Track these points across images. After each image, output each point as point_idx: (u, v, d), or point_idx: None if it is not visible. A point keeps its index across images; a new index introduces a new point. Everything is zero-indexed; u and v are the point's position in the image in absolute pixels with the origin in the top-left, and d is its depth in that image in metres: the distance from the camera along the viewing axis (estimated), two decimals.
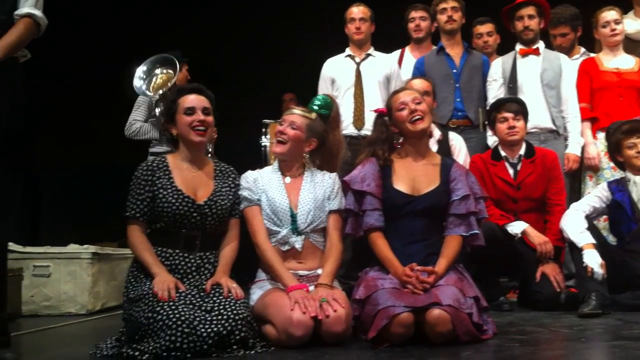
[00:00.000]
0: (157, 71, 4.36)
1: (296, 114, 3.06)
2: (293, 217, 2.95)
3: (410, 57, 4.90)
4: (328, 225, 3.01)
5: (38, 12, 2.75)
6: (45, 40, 2.85)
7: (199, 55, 5.29)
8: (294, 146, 3.03)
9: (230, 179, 3.01)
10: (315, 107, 3.10)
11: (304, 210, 2.97)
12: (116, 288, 4.36)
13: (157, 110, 4.30)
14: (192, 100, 2.92)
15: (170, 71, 4.37)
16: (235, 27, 6.67)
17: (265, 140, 5.21)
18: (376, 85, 4.51)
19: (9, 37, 2.66)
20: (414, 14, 4.87)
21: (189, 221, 2.81)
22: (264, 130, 5.29)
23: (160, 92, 4.25)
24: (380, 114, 3.15)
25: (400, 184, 2.99)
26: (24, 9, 2.72)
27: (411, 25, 4.89)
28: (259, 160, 5.08)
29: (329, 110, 3.12)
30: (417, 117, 3.00)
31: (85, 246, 4.31)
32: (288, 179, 3.05)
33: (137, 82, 4.35)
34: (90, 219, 6.05)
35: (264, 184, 3.01)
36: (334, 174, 3.11)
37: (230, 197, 2.95)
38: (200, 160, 2.97)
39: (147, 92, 4.34)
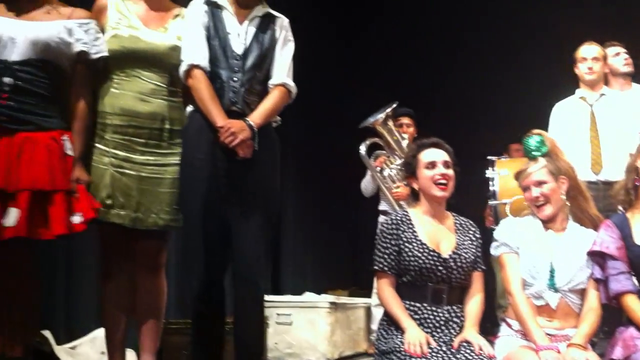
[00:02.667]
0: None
1: (538, 171, 2.95)
2: (552, 272, 2.84)
3: None
4: (588, 286, 2.85)
5: (290, 82, 2.94)
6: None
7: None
8: (554, 199, 2.93)
9: (471, 232, 2.98)
10: (536, 153, 3.00)
11: (564, 268, 2.84)
12: (351, 337, 4.46)
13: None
14: (433, 154, 2.95)
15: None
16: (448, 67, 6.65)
17: (491, 173, 4.92)
18: (612, 125, 4.28)
19: (267, 105, 2.86)
20: None
21: (435, 275, 2.82)
22: (491, 168, 5.05)
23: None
24: None
25: None
26: (279, 78, 2.91)
27: None
28: (480, 196, 4.89)
29: (546, 146, 3.00)
30: None
31: (323, 295, 4.47)
32: (550, 232, 2.94)
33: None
34: (321, 267, 6.29)
35: (523, 232, 2.94)
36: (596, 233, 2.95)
37: (473, 250, 2.92)
38: (441, 213, 2.97)
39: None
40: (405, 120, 4.75)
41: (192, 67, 2.82)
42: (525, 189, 2.96)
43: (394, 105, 4.42)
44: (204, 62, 2.82)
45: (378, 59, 6.80)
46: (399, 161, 4.25)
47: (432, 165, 2.91)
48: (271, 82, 2.92)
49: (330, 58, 6.36)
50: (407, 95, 5.14)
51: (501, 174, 4.27)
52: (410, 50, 6.66)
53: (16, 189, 2.58)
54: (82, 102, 2.83)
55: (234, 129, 2.71)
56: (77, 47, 2.80)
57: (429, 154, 2.94)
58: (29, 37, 2.68)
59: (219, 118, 2.75)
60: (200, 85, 2.80)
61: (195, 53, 2.84)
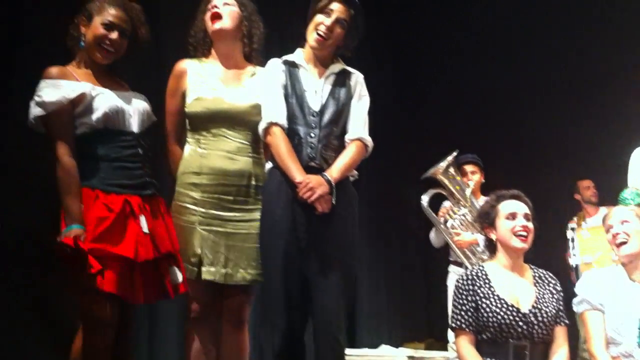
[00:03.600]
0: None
1: (623, 211, 2.93)
2: None
3: None
4: None
5: (367, 136, 2.97)
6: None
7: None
8: (636, 239, 2.88)
9: (551, 285, 2.91)
10: (629, 201, 2.97)
11: None
12: None
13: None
14: (514, 205, 2.93)
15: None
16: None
17: (575, 260, 4.78)
18: None
19: (344, 159, 2.89)
20: None
21: (516, 331, 2.76)
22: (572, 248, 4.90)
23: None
24: None
25: None
26: (356, 133, 2.95)
27: None
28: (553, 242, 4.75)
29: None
30: None
31: (401, 349, 4.43)
32: (636, 284, 2.86)
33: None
34: (396, 318, 6.22)
35: (608, 286, 2.87)
36: None
37: (554, 303, 2.84)
38: (519, 266, 2.92)
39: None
40: (470, 167, 4.72)
41: (271, 124, 2.88)
42: (609, 229, 2.92)
43: (455, 154, 4.41)
44: (282, 119, 2.89)
45: (444, 107, 6.79)
46: (462, 210, 4.22)
47: (512, 216, 2.89)
48: (348, 136, 2.96)
49: (395, 108, 6.39)
50: (474, 143, 5.10)
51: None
52: (479, 96, 6.63)
53: (173, 250, 2.72)
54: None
55: (312, 184, 2.75)
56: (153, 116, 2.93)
57: (509, 205, 2.92)
58: (139, 109, 2.79)
59: (297, 174, 2.79)
60: (279, 141, 2.85)
61: (273, 111, 2.90)
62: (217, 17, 2.97)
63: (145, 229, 2.62)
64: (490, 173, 4.73)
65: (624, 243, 2.84)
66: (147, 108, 2.84)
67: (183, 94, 3.00)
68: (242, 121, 2.95)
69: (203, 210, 2.91)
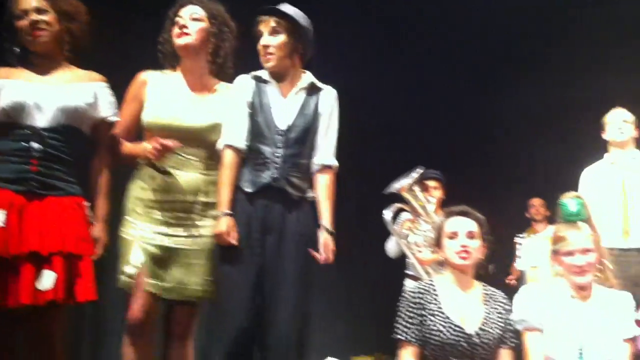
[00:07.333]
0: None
1: (586, 239, 2.84)
2: (580, 352, 2.73)
3: None
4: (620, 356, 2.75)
5: (335, 162, 2.99)
6: None
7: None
8: (594, 268, 2.85)
9: (501, 305, 2.88)
10: (576, 217, 2.90)
11: (595, 345, 2.73)
12: None
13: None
14: (456, 224, 2.89)
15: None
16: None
17: (521, 264, 4.87)
18: None
19: (329, 204, 2.95)
20: None
21: (458, 350, 2.74)
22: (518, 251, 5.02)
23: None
24: None
25: None
26: (326, 159, 2.98)
27: None
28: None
29: (586, 210, 2.92)
30: None
31: None
32: (576, 301, 2.82)
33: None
34: (345, 332, 6.19)
35: (548, 303, 2.82)
36: (628, 294, 2.86)
37: (501, 324, 2.82)
38: (468, 283, 2.90)
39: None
40: (432, 183, 4.72)
41: (226, 147, 2.87)
42: (567, 255, 2.82)
43: (420, 171, 4.40)
44: (239, 142, 2.87)
45: (405, 121, 6.82)
46: (424, 226, 4.21)
47: (454, 235, 2.86)
48: (318, 160, 2.96)
49: (357, 122, 6.36)
50: (438, 159, 5.11)
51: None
52: (441, 115, 6.69)
53: (51, 251, 2.58)
54: (107, 168, 2.88)
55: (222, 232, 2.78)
56: (102, 112, 2.83)
57: (452, 224, 2.89)
58: (58, 104, 2.69)
59: (222, 204, 2.81)
60: (224, 167, 2.86)
61: (232, 132, 2.88)
62: (182, 32, 2.91)
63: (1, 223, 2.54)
64: (451, 190, 4.73)
65: (587, 272, 2.78)
66: (72, 105, 2.73)
67: (140, 104, 2.93)
68: (196, 139, 2.90)
69: (145, 225, 2.85)
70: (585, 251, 2.80)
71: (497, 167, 6.48)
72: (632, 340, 2.76)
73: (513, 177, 6.48)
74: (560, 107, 6.20)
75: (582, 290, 2.82)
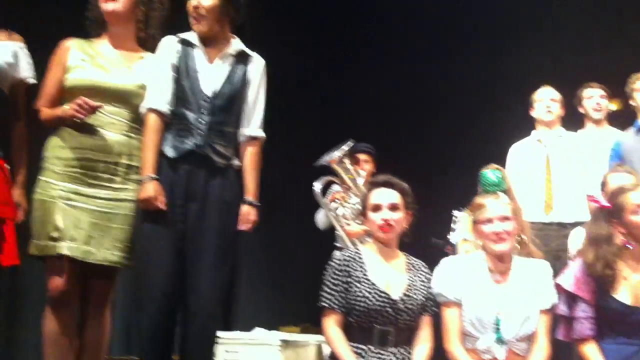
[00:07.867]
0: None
1: (504, 206, 2.86)
2: (497, 324, 2.75)
3: None
4: (539, 327, 2.79)
5: (262, 133, 2.96)
6: None
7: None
8: (512, 237, 2.86)
9: (423, 274, 2.91)
10: (496, 188, 2.93)
11: (512, 320, 2.76)
12: None
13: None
14: (379, 196, 2.89)
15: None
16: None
17: (455, 237, 4.89)
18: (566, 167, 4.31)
19: (255, 176, 2.93)
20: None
21: (382, 316, 2.76)
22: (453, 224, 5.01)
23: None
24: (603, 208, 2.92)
25: (622, 294, 2.77)
26: (254, 130, 2.94)
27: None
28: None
29: (506, 182, 2.98)
30: None
31: (274, 332, 4.38)
32: (494, 274, 2.85)
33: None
34: (273, 302, 6.18)
35: (466, 277, 2.84)
36: (546, 263, 2.91)
37: (424, 292, 2.86)
38: (392, 253, 2.92)
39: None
40: (363, 156, 4.72)
41: (148, 110, 2.80)
42: (486, 222, 2.84)
43: (351, 144, 4.39)
44: (162, 105, 2.80)
45: (340, 98, 6.81)
46: (353, 199, 4.21)
47: (377, 207, 2.86)
48: (245, 131, 2.92)
49: (293, 93, 6.33)
50: (369, 132, 5.11)
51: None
52: (372, 87, 6.68)
53: None
54: (25, 129, 2.80)
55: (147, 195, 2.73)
56: (22, 72, 2.76)
57: (375, 196, 2.89)
58: None
59: (146, 168, 2.75)
60: (147, 130, 2.79)
61: (155, 95, 2.81)
62: None
63: None
64: (383, 164, 4.73)
65: (505, 240, 2.80)
66: None
67: (64, 69, 2.84)
68: (122, 99, 2.83)
69: (64, 184, 2.75)
70: (504, 219, 2.83)
71: (434, 142, 6.50)
72: (550, 310, 2.81)
73: (449, 151, 6.45)
74: (490, 81, 6.27)
75: (501, 261, 2.84)
